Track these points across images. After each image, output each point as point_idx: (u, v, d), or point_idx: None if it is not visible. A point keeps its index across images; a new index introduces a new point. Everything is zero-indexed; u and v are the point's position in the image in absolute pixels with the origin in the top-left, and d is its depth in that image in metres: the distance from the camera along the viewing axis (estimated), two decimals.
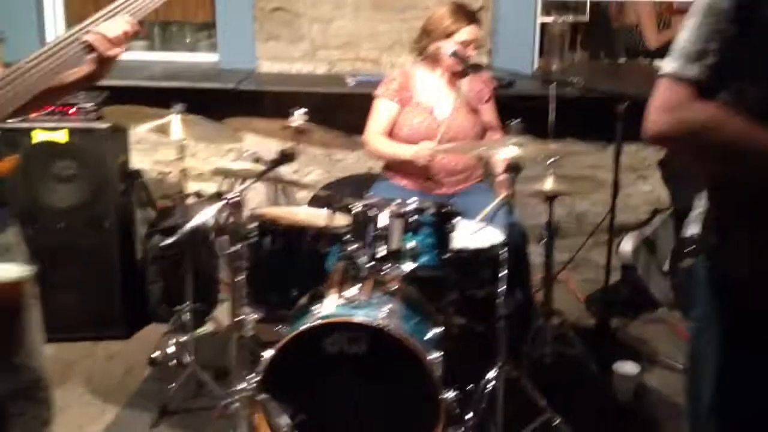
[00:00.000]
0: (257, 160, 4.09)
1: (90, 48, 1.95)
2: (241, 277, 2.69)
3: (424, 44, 3.54)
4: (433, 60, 3.52)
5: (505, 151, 2.59)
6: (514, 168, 2.59)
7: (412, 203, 2.77)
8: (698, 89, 1.54)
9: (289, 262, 3.06)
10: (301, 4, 4.18)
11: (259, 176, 2.48)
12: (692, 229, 1.97)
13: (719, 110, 1.53)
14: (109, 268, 3.72)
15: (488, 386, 2.75)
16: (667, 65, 1.58)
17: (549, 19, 4.35)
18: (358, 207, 2.72)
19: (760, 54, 1.53)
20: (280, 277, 3.09)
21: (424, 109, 3.48)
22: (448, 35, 3.43)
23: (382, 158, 3.59)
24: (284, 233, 3.04)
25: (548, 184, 2.87)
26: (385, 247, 2.71)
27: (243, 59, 4.29)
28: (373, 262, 2.72)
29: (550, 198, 2.93)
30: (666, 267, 4.17)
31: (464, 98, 3.51)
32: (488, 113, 3.59)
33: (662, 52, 4.92)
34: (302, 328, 2.58)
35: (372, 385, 2.61)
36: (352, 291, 2.70)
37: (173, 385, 3.15)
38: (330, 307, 2.67)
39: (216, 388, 3.12)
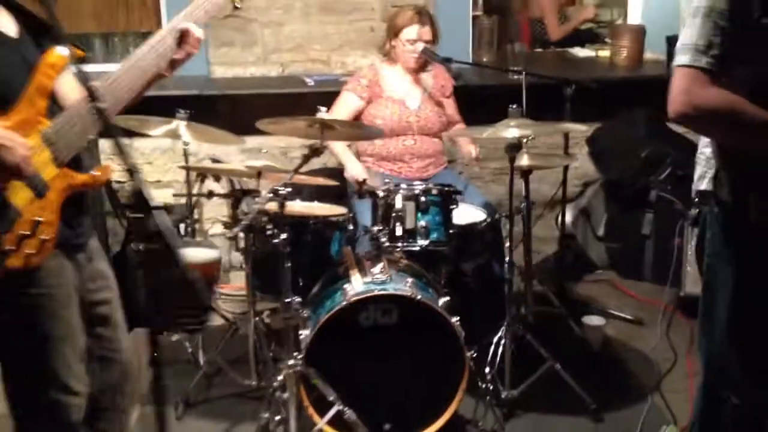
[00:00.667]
0: (215, 161, 4.28)
1: (180, 40, 2.16)
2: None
3: (384, 43, 3.85)
4: (394, 57, 3.82)
5: (510, 131, 2.93)
6: (515, 147, 2.94)
7: (419, 186, 3.08)
8: (708, 75, 1.95)
9: (295, 252, 3.30)
10: (253, 10, 4.37)
11: (296, 171, 2.71)
12: (699, 185, 2.36)
13: (729, 96, 1.94)
14: None
15: (501, 342, 3.08)
16: (682, 57, 1.98)
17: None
18: (380, 192, 3.00)
19: (751, 44, 1.95)
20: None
21: (395, 102, 3.77)
22: (397, 33, 3.75)
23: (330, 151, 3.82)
24: (291, 225, 3.26)
25: (524, 161, 3.22)
26: (401, 227, 3.01)
27: (195, 66, 4.42)
28: (391, 242, 3.01)
29: (526, 173, 3.29)
30: (600, 233, 4.66)
31: (429, 91, 3.82)
32: (451, 107, 3.93)
33: (564, 42, 5.45)
34: (338, 306, 2.84)
35: (404, 351, 2.92)
36: (377, 268, 2.97)
37: (196, 377, 3.30)
38: (358, 285, 2.94)
39: (237, 376, 3.30)
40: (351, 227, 3.32)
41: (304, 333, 2.90)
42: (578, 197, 4.76)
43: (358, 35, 4.54)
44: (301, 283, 3.21)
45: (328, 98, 3.78)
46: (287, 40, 4.49)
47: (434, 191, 3.08)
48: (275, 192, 2.67)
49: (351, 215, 3.36)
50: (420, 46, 3.71)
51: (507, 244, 3.21)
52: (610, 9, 6.16)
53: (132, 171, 1.67)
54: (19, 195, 1.98)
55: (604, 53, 4.87)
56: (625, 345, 3.79)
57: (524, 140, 3.06)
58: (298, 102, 4.02)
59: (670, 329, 3.68)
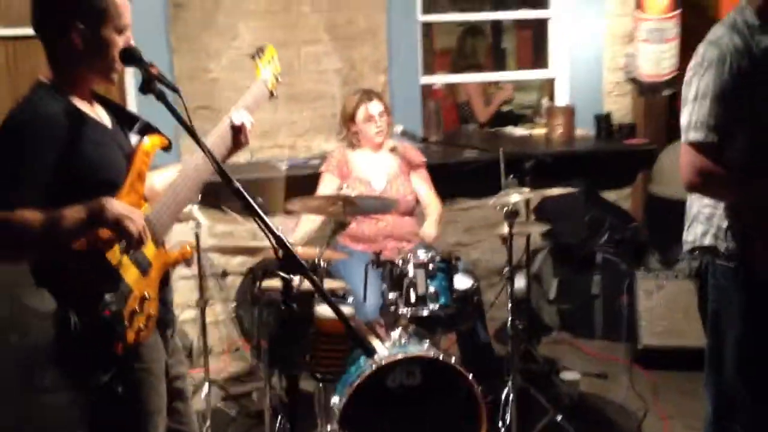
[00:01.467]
0: None
1: (236, 132, 2.41)
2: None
3: (343, 130, 4.16)
4: (355, 142, 4.12)
5: (511, 198, 3.26)
6: (513, 214, 3.27)
7: (426, 253, 3.35)
8: (713, 148, 2.37)
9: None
10: (224, 100, 4.59)
11: (327, 245, 2.93)
12: (694, 236, 2.71)
13: (728, 172, 2.37)
14: None
15: (510, 395, 3.36)
16: (692, 135, 2.46)
17: None
18: (398, 263, 3.25)
19: (749, 120, 2.39)
20: (291, 338, 3.50)
21: (362, 182, 4.03)
22: (352, 117, 4.07)
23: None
24: (299, 298, 3.45)
25: (504, 228, 3.55)
26: (414, 293, 3.26)
27: (170, 156, 4.59)
28: (408, 307, 3.26)
29: (507, 239, 3.61)
30: (552, 296, 5.04)
31: (395, 171, 4.12)
32: (422, 184, 4.22)
33: (490, 122, 5.92)
34: (369, 370, 3.04)
35: (428, 409, 3.14)
36: (396, 333, 3.20)
37: None
38: (382, 350, 3.15)
39: None
40: (351, 298, 3.54)
41: (334, 399, 3.07)
42: (527, 264, 5.13)
43: (321, 121, 4.84)
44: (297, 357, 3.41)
45: (303, 180, 4.05)
46: (255, 127, 4.69)
47: (438, 258, 3.35)
48: (314, 268, 2.88)
49: (348, 287, 3.60)
50: (380, 123, 4.02)
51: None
52: (527, 92, 6.75)
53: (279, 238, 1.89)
54: (129, 273, 2.13)
55: (539, 131, 5.34)
56: (599, 397, 4.12)
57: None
58: (277, 185, 4.28)
59: (634, 381, 4.10)
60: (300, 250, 3.42)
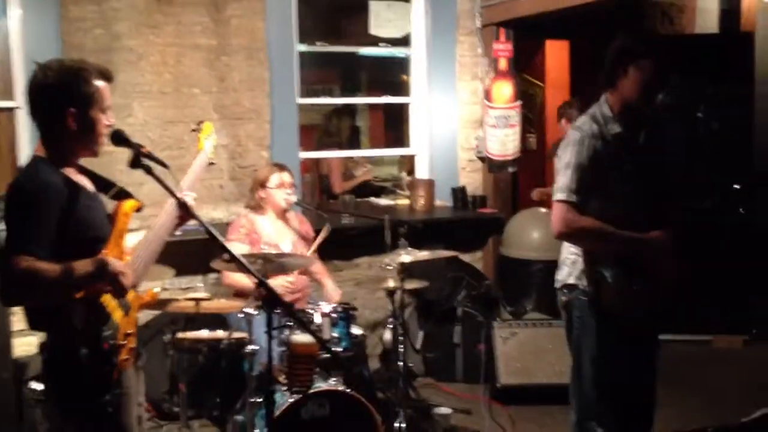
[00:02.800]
0: None
1: (184, 208, 2.86)
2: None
3: (252, 196, 4.66)
4: (261, 206, 4.63)
5: (401, 257, 3.88)
6: (404, 270, 3.89)
7: (329, 306, 3.90)
8: (575, 206, 3.09)
9: (213, 372, 3.92)
10: (117, 173, 4.90)
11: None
12: (562, 276, 3.39)
13: (589, 219, 3.09)
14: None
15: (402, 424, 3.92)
16: (560, 195, 3.13)
17: None
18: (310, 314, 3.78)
19: (601, 187, 3.13)
20: (210, 385, 3.92)
21: (271, 246, 4.53)
22: (264, 183, 4.59)
23: (238, 287, 4.50)
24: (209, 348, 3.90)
25: (391, 283, 4.17)
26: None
27: None
28: None
29: (391, 293, 4.23)
30: (418, 345, 5.66)
31: (298, 233, 4.66)
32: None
33: (346, 193, 6.58)
34: (287, 403, 3.52)
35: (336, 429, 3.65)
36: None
37: None
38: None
39: None
40: (253, 347, 3.99)
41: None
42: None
43: (208, 192, 5.31)
44: (218, 399, 3.85)
45: (196, 244, 4.50)
46: (146, 198, 5.03)
47: (340, 308, 3.90)
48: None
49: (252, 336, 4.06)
50: (288, 191, 4.55)
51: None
52: (382, 167, 7.50)
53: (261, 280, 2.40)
54: (116, 313, 2.57)
55: (403, 201, 6.04)
56: (466, 429, 4.74)
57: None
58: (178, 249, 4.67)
59: (494, 414, 4.77)
60: (215, 303, 3.90)
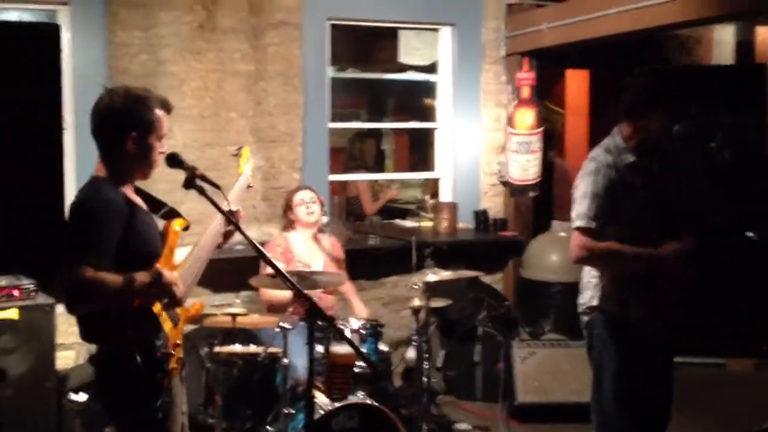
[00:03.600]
0: None
1: (228, 221, 3.07)
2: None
3: (285, 217, 4.91)
4: (293, 226, 4.87)
5: (428, 277, 4.09)
6: (431, 289, 4.10)
7: (357, 322, 4.11)
8: (593, 232, 3.28)
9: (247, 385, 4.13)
10: (160, 192, 5.18)
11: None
12: (585, 299, 3.58)
13: (608, 244, 3.27)
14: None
15: None
16: (579, 221, 3.32)
17: None
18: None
19: (616, 213, 3.33)
20: (243, 397, 4.13)
21: (304, 265, 4.76)
22: (289, 205, 4.84)
23: (273, 303, 4.73)
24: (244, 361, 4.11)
25: (417, 302, 4.38)
26: None
27: None
28: None
29: (417, 311, 4.44)
30: (439, 364, 5.85)
31: (329, 254, 4.89)
32: (342, 267, 5.00)
33: (376, 214, 6.81)
34: (318, 415, 3.73)
35: None
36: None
37: None
38: (325, 400, 3.85)
39: None
40: (286, 360, 4.21)
41: None
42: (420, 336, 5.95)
43: (244, 212, 5.51)
44: (249, 411, 4.08)
45: (232, 262, 4.75)
46: (187, 217, 5.35)
47: (368, 325, 4.12)
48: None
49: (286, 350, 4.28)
50: (310, 208, 4.79)
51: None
52: (407, 189, 7.73)
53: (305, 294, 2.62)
54: (166, 324, 2.79)
55: (426, 224, 6.25)
56: None
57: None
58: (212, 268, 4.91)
59: (511, 431, 4.95)
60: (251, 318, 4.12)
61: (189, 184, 2.80)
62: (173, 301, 2.73)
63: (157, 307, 2.75)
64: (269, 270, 4.70)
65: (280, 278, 2.65)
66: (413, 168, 8.23)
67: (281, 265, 4.61)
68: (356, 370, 3.93)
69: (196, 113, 5.47)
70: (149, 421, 2.74)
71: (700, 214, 4.24)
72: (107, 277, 2.59)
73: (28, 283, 4.25)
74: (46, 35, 2.04)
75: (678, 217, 3.48)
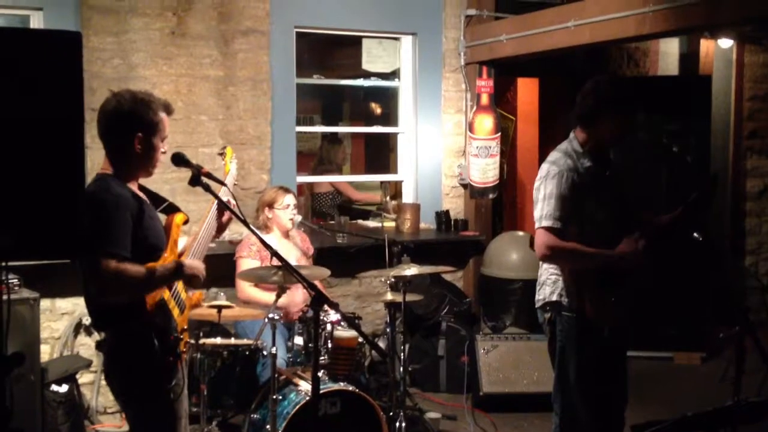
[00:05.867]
0: None
1: (220, 213, 3.26)
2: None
3: (258, 216, 5.07)
4: (267, 225, 5.04)
5: (405, 271, 4.32)
6: (408, 283, 4.32)
7: (336, 313, 4.30)
8: (558, 232, 3.52)
9: (230, 374, 4.29)
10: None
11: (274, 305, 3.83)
12: (544, 294, 3.80)
13: (570, 244, 3.51)
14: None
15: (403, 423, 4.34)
16: (545, 221, 3.52)
17: None
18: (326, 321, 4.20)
19: (578, 214, 3.56)
20: (225, 386, 4.28)
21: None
22: (271, 204, 5.00)
23: (252, 301, 4.89)
24: (228, 352, 4.27)
25: (389, 296, 4.60)
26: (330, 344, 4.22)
27: None
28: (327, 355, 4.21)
29: (390, 305, 4.65)
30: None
31: (301, 251, 5.08)
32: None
33: (343, 214, 7.03)
34: (303, 401, 3.92)
35: (346, 426, 4.05)
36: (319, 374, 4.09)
37: None
38: (307, 387, 4.03)
39: None
40: (265, 352, 4.38)
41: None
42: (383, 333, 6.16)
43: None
44: (232, 401, 4.25)
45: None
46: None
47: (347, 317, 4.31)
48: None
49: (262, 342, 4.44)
50: (293, 211, 4.96)
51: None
52: (368, 191, 7.98)
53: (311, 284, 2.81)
54: (175, 311, 2.96)
55: (389, 224, 6.48)
56: (452, 431, 5.18)
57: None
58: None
59: (477, 421, 5.19)
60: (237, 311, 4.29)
61: (194, 181, 2.97)
62: (199, 284, 2.94)
63: (166, 294, 2.93)
64: (245, 266, 4.90)
65: (286, 270, 2.83)
66: (368, 171, 8.46)
67: (256, 264, 4.81)
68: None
69: None
70: (162, 402, 2.91)
71: (652, 216, 4.56)
72: (132, 268, 2.76)
73: (11, 278, 4.34)
74: (69, 42, 2.19)
75: (632, 218, 3.74)
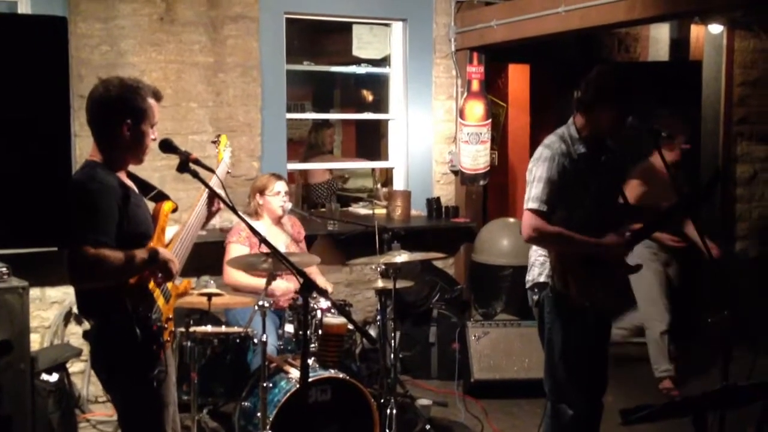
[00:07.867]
0: None
1: (210, 201, 3.25)
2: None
3: (250, 202, 5.06)
4: (258, 212, 5.03)
5: (396, 258, 4.31)
6: (398, 270, 4.32)
7: (326, 302, 4.30)
8: (544, 215, 3.54)
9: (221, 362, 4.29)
10: None
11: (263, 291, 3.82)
12: (532, 276, 3.83)
13: (556, 228, 3.53)
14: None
15: (394, 410, 4.35)
16: (532, 204, 3.56)
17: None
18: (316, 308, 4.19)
19: (567, 199, 3.58)
20: (216, 374, 4.28)
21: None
22: (262, 190, 4.99)
23: (240, 287, 4.89)
24: (219, 341, 4.27)
25: (380, 283, 4.60)
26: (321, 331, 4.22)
27: None
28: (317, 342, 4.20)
29: (381, 292, 4.65)
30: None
31: (291, 237, 5.07)
32: (303, 249, 5.19)
33: (335, 201, 7.00)
34: (294, 388, 3.92)
35: (337, 416, 4.05)
36: (309, 362, 4.11)
37: None
38: (297, 374, 4.03)
39: None
40: (255, 340, 4.38)
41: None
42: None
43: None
44: (222, 389, 4.25)
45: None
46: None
47: (337, 304, 4.31)
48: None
49: (253, 330, 4.44)
50: (284, 198, 4.95)
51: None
52: (356, 178, 7.95)
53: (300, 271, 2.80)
54: (160, 300, 2.95)
55: (380, 211, 6.46)
56: (444, 418, 5.18)
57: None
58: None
59: (468, 407, 5.20)
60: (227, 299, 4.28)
61: (183, 168, 2.95)
62: (169, 275, 2.90)
63: (151, 284, 2.92)
64: (234, 254, 4.88)
65: (275, 257, 2.82)
66: (359, 157, 8.44)
67: (245, 250, 4.81)
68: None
69: None
70: (146, 389, 2.90)
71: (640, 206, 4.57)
72: (110, 253, 2.75)
73: (0, 266, 4.32)
74: (54, 28, 2.16)
75: (620, 207, 3.76)
